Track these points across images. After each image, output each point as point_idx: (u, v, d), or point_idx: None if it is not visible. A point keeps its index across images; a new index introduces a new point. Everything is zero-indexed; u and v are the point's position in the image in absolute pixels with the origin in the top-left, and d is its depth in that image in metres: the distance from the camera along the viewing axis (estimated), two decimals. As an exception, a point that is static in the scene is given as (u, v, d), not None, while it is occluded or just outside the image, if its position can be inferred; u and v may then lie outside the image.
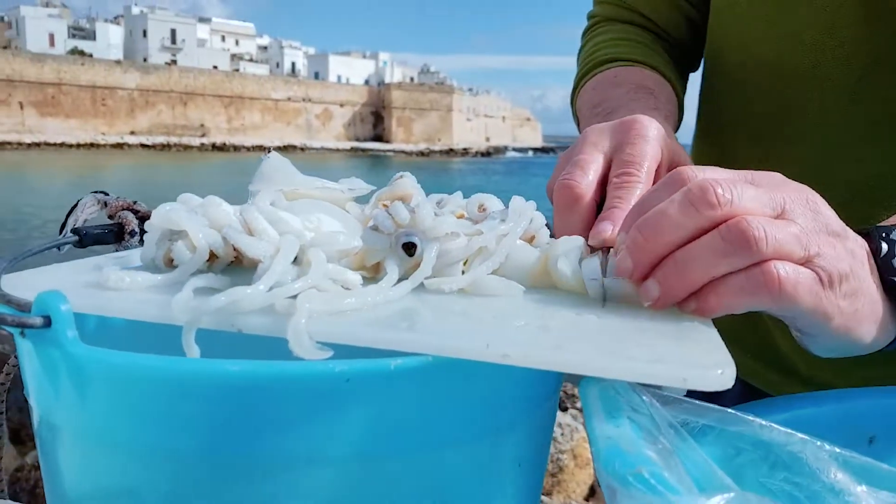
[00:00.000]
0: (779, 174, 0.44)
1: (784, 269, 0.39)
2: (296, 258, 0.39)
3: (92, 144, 48.84)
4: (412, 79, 75.86)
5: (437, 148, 64.04)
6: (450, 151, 64.23)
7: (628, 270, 0.42)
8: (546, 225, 0.49)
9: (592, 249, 0.46)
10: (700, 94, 0.88)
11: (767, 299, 0.40)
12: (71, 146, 47.60)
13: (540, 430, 0.41)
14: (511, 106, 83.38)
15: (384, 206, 0.48)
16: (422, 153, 61.39)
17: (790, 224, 0.40)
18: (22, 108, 48.84)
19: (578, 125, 0.80)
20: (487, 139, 73.79)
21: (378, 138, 65.42)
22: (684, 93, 0.82)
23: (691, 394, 0.40)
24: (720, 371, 0.33)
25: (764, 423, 0.41)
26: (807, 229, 0.41)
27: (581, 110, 0.78)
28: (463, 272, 0.44)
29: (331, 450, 0.33)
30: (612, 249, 0.45)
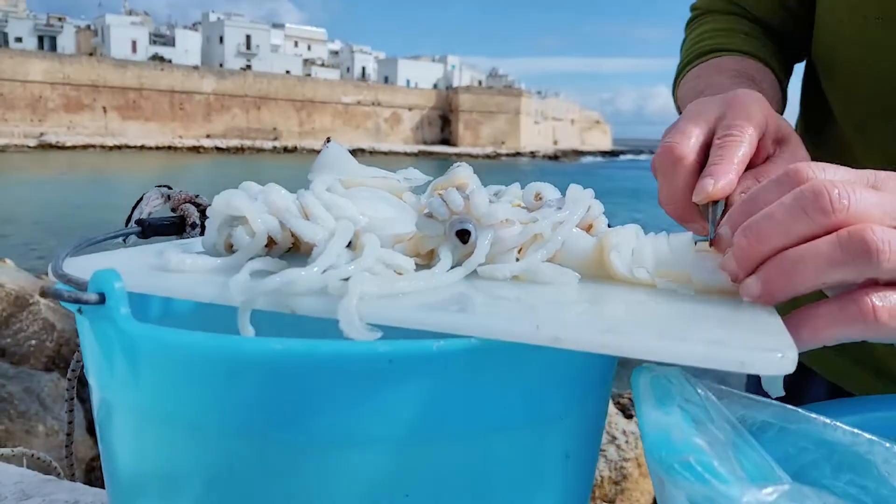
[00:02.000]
0: None
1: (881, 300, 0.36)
2: (350, 243, 0.40)
3: (169, 147, 50.48)
4: (480, 82, 75.88)
5: (503, 151, 63.90)
6: (517, 155, 64.01)
7: (734, 273, 0.40)
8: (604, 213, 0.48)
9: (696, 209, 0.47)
10: (804, 87, 0.85)
11: (861, 331, 0.37)
12: (150, 149, 49.30)
13: (589, 422, 0.41)
14: (580, 108, 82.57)
15: (439, 194, 0.48)
16: (488, 156, 61.33)
17: None
18: (105, 112, 50.81)
19: (680, 113, 0.78)
20: (555, 142, 73.25)
21: (445, 141, 65.65)
22: (787, 82, 0.79)
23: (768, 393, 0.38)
24: (780, 355, 0.31)
25: (828, 421, 0.40)
26: None
27: (683, 99, 0.77)
28: (517, 260, 0.43)
29: (376, 430, 0.33)
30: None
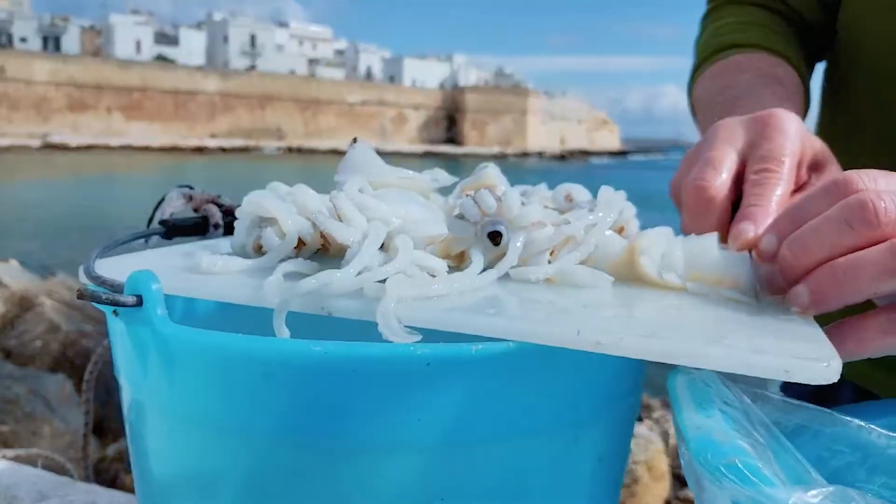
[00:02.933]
0: None
1: None
2: (382, 244, 0.40)
3: (174, 147, 50.57)
4: (487, 81, 75.84)
5: (510, 151, 63.87)
6: (524, 155, 63.95)
7: (779, 288, 0.40)
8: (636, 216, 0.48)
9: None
10: (826, 85, 0.80)
11: None
12: (154, 149, 49.39)
13: (621, 426, 0.40)
14: (588, 108, 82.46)
15: (468, 194, 0.48)
16: (495, 157, 61.29)
17: None
18: (109, 112, 50.92)
19: (695, 115, 0.75)
20: (562, 142, 73.17)
21: (451, 141, 65.62)
22: (810, 79, 0.75)
23: (796, 395, 0.38)
24: (825, 364, 0.31)
25: (862, 424, 0.39)
26: None
27: (700, 100, 0.73)
28: (549, 262, 0.43)
29: (412, 434, 0.32)
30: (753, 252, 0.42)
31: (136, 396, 0.38)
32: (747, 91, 0.63)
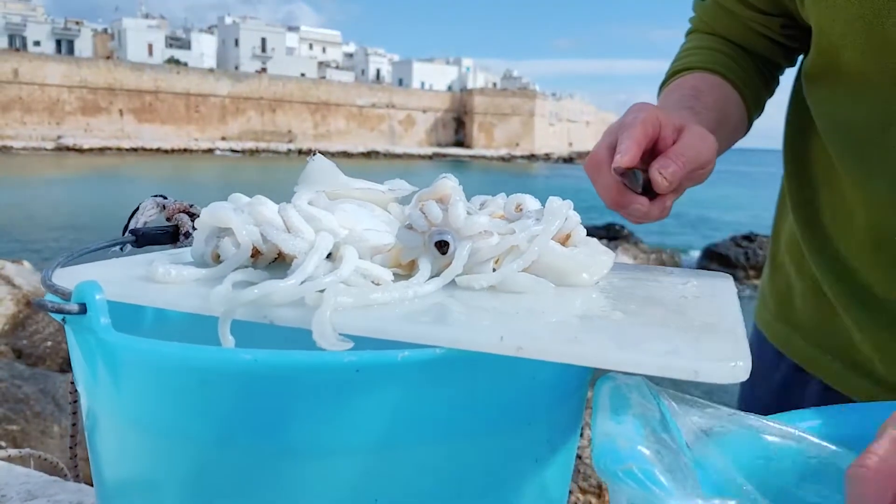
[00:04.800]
0: None
1: None
2: (330, 254, 0.41)
3: (185, 150, 50.77)
4: (495, 84, 75.79)
5: (518, 153, 63.78)
6: (531, 157, 63.87)
7: None
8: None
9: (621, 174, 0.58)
10: (793, 104, 0.88)
11: None
12: (166, 151, 49.62)
13: (561, 428, 0.42)
14: (595, 110, 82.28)
15: (419, 207, 0.49)
16: (503, 158, 61.24)
17: None
18: (122, 114, 51.20)
19: None
20: (570, 144, 73.02)
21: (459, 143, 65.61)
22: (768, 92, 0.88)
23: (761, 399, 0.38)
24: (733, 364, 0.33)
25: (797, 431, 0.40)
26: None
27: None
28: (494, 270, 0.45)
29: (346, 438, 0.34)
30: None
31: (90, 402, 0.39)
32: (667, 107, 0.75)
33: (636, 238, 11.15)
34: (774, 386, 0.85)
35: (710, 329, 0.38)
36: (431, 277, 0.43)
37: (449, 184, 0.51)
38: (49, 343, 4.37)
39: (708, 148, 0.63)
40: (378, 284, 0.41)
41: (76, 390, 0.86)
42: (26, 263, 5.45)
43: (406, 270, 0.45)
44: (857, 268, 0.75)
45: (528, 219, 0.47)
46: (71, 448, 0.93)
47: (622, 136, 0.61)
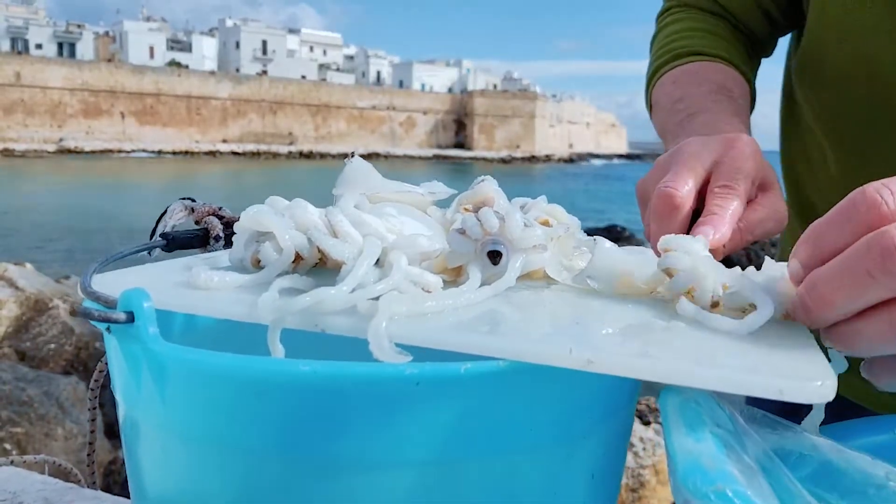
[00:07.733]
0: None
1: None
2: (378, 260, 0.40)
3: (186, 152, 50.82)
4: (495, 86, 75.88)
5: (518, 155, 63.82)
6: (532, 158, 63.91)
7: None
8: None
9: None
10: (785, 92, 0.86)
11: None
12: (167, 153, 49.66)
13: (615, 441, 0.40)
14: (596, 112, 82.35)
15: (465, 210, 0.48)
16: (503, 160, 61.27)
17: None
18: (123, 117, 51.27)
19: (651, 113, 0.81)
20: (570, 146, 73.08)
21: (460, 145, 65.67)
22: (755, 80, 0.83)
23: (785, 409, 0.37)
24: (819, 383, 0.31)
25: (866, 457, 0.39)
26: None
27: (659, 103, 0.78)
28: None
29: (403, 452, 0.32)
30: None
31: (131, 412, 0.38)
32: (703, 106, 0.69)
33: (638, 239, 11.16)
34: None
35: (785, 345, 0.36)
36: (481, 286, 0.41)
37: (489, 187, 0.49)
38: (52, 346, 4.36)
39: (776, 223, 0.54)
40: (429, 292, 0.39)
41: (96, 397, 0.85)
42: (29, 266, 5.45)
43: (451, 276, 0.44)
44: None
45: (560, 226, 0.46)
46: (88, 455, 0.92)
47: (720, 194, 0.51)
